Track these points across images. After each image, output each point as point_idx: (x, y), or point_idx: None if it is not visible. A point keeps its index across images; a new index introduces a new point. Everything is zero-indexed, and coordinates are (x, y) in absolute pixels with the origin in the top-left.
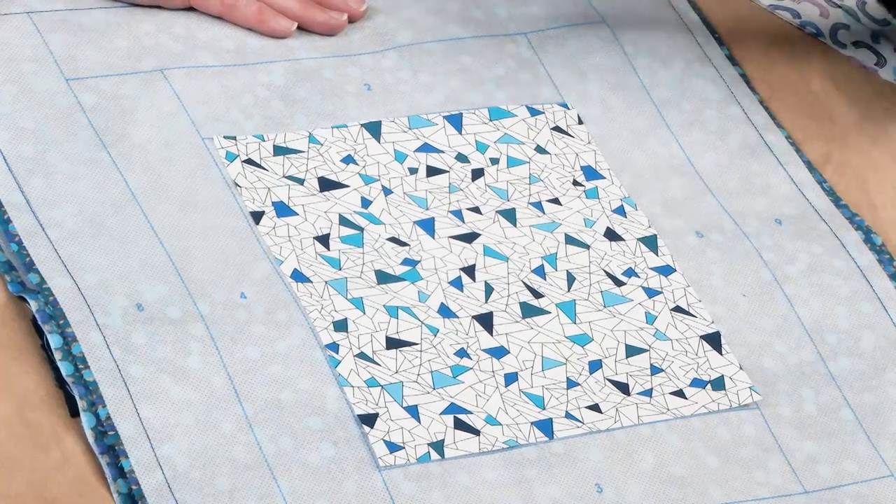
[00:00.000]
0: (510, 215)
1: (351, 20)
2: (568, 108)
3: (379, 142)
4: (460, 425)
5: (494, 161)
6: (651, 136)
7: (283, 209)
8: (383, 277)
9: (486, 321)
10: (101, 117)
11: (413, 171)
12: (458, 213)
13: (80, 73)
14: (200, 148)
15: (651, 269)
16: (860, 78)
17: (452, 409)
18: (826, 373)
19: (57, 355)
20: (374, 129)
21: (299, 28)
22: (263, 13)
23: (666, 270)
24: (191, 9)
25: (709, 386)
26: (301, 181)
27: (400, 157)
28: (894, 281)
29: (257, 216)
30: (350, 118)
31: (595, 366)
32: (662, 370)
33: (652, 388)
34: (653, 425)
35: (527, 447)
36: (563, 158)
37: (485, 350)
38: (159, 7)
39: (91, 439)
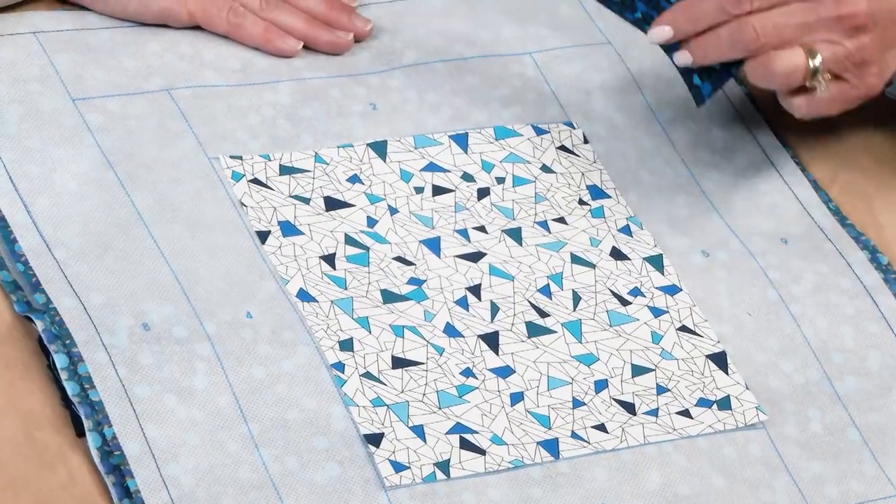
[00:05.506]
0: (516, 234)
1: (357, 40)
2: (574, 128)
3: (385, 161)
4: (466, 445)
5: (500, 180)
6: (657, 155)
7: (288, 228)
8: (389, 297)
9: (491, 341)
10: (108, 137)
11: (419, 190)
12: (463, 233)
13: (86, 92)
14: (206, 167)
15: (657, 288)
16: None
17: (458, 428)
18: (832, 392)
19: (63, 375)
20: (379, 148)
21: (305, 47)
22: (270, 32)
23: (672, 290)
24: (197, 28)
25: (715, 405)
26: (307, 200)
27: (406, 177)
28: None
29: (263, 236)
30: (356, 138)
31: (601, 385)
32: (668, 390)
33: (658, 408)
34: (659, 445)
35: (532, 467)
36: (569, 177)
37: (490, 369)
38: (166, 26)
39: (97, 459)
